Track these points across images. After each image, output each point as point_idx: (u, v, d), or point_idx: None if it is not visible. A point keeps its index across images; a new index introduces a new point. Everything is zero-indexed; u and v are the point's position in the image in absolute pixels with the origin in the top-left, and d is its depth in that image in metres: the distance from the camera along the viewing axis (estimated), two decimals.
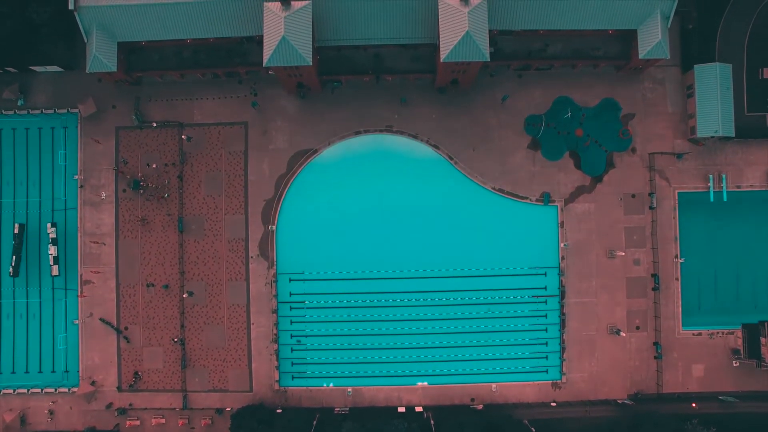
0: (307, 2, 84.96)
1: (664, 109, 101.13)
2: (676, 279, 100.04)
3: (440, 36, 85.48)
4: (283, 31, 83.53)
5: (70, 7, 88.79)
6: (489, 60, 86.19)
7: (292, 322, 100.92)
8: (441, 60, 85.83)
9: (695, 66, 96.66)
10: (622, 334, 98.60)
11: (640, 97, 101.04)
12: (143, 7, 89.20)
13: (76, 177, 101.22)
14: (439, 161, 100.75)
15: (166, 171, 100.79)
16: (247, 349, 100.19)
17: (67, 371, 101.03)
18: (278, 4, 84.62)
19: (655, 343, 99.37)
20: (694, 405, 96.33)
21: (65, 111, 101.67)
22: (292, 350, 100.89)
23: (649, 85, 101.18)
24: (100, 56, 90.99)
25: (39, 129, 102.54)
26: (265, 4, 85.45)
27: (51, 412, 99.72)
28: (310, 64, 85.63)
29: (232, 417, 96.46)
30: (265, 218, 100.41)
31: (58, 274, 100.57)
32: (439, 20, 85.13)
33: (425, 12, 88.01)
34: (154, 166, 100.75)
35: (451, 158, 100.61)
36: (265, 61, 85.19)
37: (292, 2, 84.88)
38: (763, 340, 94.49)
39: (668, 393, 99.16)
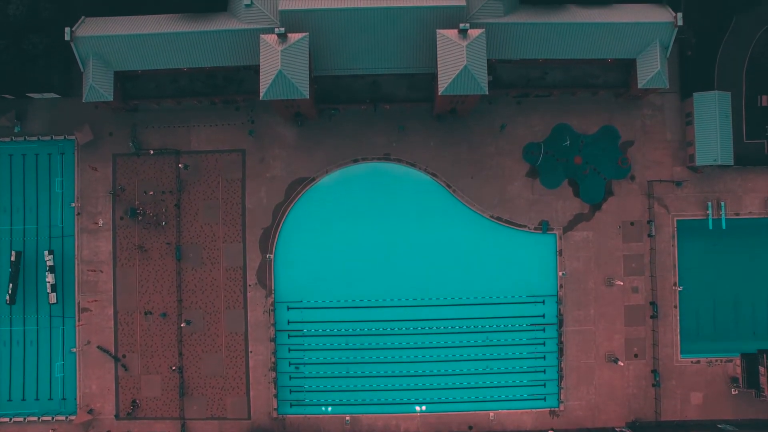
0: (303, 34, 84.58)
1: (663, 137, 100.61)
2: (675, 307, 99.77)
3: (438, 69, 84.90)
4: (279, 65, 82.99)
5: (67, 38, 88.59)
6: (487, 93, 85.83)
7: (290, 350, 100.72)
8: (439, 93, 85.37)
9: (694, 94, 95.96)
10: (620, 363, 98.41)
11: (639, 125, 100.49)
12: (139, 37, 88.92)
13: (73, 204, 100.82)
14: (437, 189, 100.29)
15: (163, 199, 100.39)
16: (246, 376, 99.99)
17: (64, 399, 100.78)
18: (275, 36, 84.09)
19: (654, 371, 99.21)
20: None
21: (62, 138, 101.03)
22: (290, 378, 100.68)
23: (648, 112, 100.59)
24: (97, 86, 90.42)
25: (36, 156, 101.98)
26: (262, 36, 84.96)
27: None
28: (307, 97, 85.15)
29: None
30: (263, 246, 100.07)
31: (55, 301, 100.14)
32: (437, 53, 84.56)
33: (424, 43, 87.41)
34: (151, 193, 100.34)
35: (449, 186, 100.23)
36: (261, 94, 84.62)
37: (289, 34, 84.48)
38: (761, 369, 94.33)
39: (667, 421, 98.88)
